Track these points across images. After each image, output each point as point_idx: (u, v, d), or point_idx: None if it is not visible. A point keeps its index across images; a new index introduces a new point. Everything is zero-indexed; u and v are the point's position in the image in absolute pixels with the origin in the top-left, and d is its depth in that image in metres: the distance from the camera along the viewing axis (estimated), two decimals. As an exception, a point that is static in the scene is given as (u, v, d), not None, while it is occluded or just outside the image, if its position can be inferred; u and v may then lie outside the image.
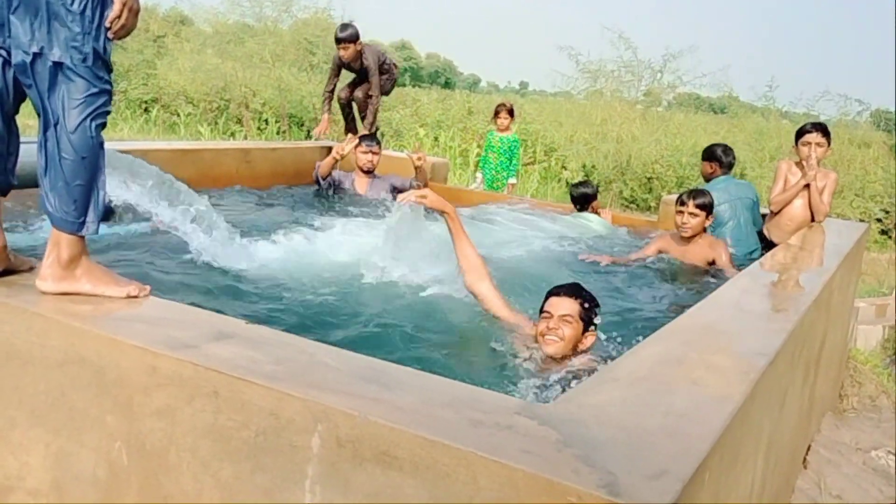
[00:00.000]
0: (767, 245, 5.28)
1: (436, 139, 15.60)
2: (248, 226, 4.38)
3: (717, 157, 5.58)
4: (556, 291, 3.03)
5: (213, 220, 3.53)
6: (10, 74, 2.12)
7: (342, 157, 6.24)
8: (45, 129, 2.09)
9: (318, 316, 3.13)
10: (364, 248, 4.19)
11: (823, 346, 3.69)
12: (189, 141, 11.85)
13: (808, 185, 5.18)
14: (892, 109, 17.58)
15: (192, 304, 2.34)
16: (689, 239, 4.76)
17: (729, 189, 5.46)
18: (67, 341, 1.88)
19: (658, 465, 1.40)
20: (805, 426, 3.80)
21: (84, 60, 2.05)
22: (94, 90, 2.08)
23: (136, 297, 2.17)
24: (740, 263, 5.22)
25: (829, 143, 5.23)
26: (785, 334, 2.38)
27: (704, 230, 4.81)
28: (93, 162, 2.12)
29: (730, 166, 5.62)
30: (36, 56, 2.03)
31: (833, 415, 4.83)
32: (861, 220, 10.33)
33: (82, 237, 2.16)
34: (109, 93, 2.15)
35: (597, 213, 6.18)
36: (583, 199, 6.18)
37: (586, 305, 2.98)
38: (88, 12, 2.04)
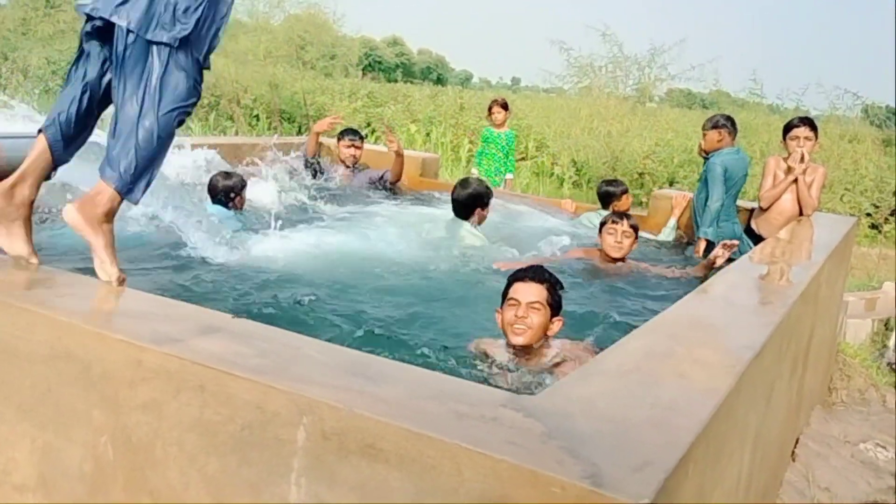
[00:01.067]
0: (755, 239, 5.31)
1: (427, 135, 15.60)
2: (235, 220, 4.37)
3: (725, 125, 5.52)
4: (521, 276, 2.93)
5: (201, 214, 3.53)
6: (106, 77, 2.38)
7: (322, 132, 6.42)
8: (132, 97, 2.25)
9: (304, 309, 3.13)
10: (349, 242, 4.21)
11: (812, 339, 3.70)
12: (180, 137, 11.82)
13: (796, 180, 5.20)
14: (883, 104, 17.58)
15: (178, 297, 2.34)
16: (614, 260, 4.50)
17: (739, 163, 5.52)
18: (53, 336, 1.88)
19: (642, 457, 1.41)
20: (793, 419, 3.82)
21: (188, 57, 2.28)
22: (191, 89, 2.31)
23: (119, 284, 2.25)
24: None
25: (816, 138, 5.26)
26: (771, 328, 2.39)
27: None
28: (162, 144, 2.31)
29: (735, 134, 5.61)
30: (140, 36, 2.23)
31: (822, 408, 4.86)
32: (851, 215, 10.37)
33: (121, 201, 2.30)
34: (199, 97, 2.37)
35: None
36: (605, 198, 6.10)
37: (553, 289, 2.92)
38: (199, 13, 2.27)
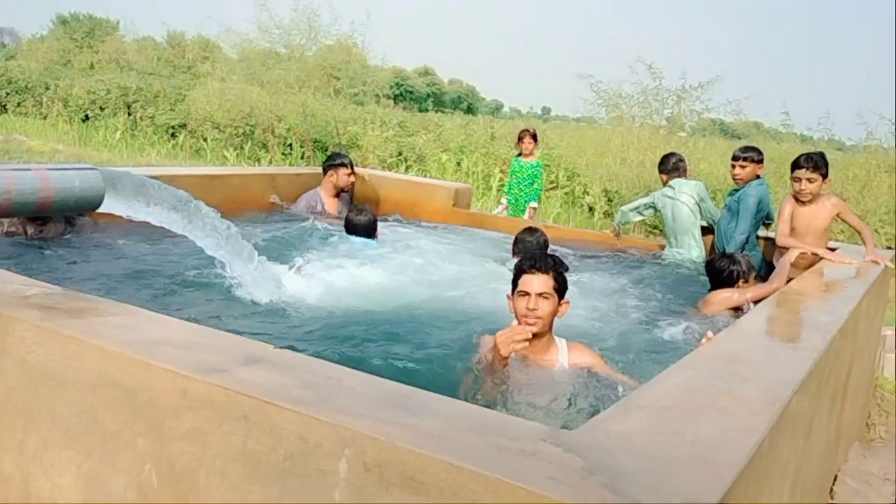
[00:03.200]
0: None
1: (458, 164, 15.68)
2: (274, 250, 4.43)
3: (762, 159, 5.57)
4: (528, 267, 3.10)
5: (240, 245, 3.58)
6: None
7: None
8: None
9: (344, 340, 3.16)
10: (386, 271, 4.24)
11: (850, 375, 3.65)
12: (216, 166, 12.00)
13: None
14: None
15: (221, 327, 2.37)
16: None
17: (767, 194, 5.58)
18: (100, 364, 1.91)
19: (684, 495, 1.41)
20: (832, 456, 3.76)
21: None
22: None
23: None
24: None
25: (823, 177, 5.04)
26: (811, 363, 2.37)
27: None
28: None
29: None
30: None
31: (860, 444, 4.77)
32: (888, 248, 10.20)
33: None
34: None
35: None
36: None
37: (559, 275, 3.08)
38: None
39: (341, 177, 6.39)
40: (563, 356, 3.13)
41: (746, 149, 5.67)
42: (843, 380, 3.38)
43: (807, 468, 2.70)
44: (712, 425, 1.77)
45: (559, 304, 3.09)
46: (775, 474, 2.01)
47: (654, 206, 6.23)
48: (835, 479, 4.08)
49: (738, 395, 1.99)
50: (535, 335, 2.98)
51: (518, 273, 3.11)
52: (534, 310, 3.00)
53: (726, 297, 4.45)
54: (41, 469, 2.03)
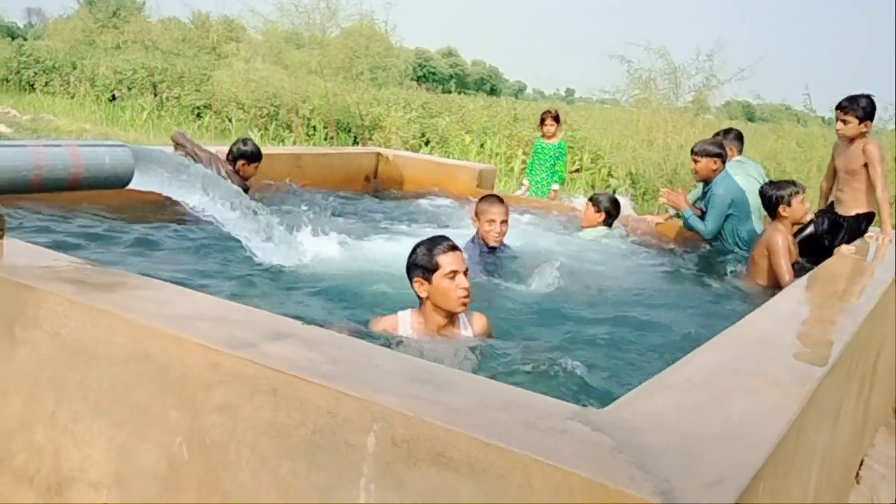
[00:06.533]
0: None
1: (482, 146, 15.62)
2: (300, 228, 4.45)
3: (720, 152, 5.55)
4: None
5: (268, 222, 3.60)
6: None
7: None
8: None
9: (368, 316, 3.16)
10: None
11: (878, 359, 3.62)
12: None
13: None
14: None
15: (250, 303, 2.39)
16: None
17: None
18: (132, 338, 1.93)
19: (714, 474, 1.40)
20: (858, 440, 3.73)
21: None
22: None
23: None
24: None
25: (860, 119, 5.05)
26: (841, 346, 2.35)
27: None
28: None
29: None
30: None
31: (886, 430, 4.72)
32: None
33: None
34: None
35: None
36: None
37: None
38: None
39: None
40: (467, 328, 3.17)
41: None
42: (871, 363, 3.35)
43: (834, 451, 2.68)
44: (743, 405, 1.76)
45: None
46: (804, 456, 2.00)
47: None
48: (861, 463, 4.05)
49: (769, 376, 1.98)
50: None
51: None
52: (468, 287, 3.04)
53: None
54: (72, 441, 2.06)
